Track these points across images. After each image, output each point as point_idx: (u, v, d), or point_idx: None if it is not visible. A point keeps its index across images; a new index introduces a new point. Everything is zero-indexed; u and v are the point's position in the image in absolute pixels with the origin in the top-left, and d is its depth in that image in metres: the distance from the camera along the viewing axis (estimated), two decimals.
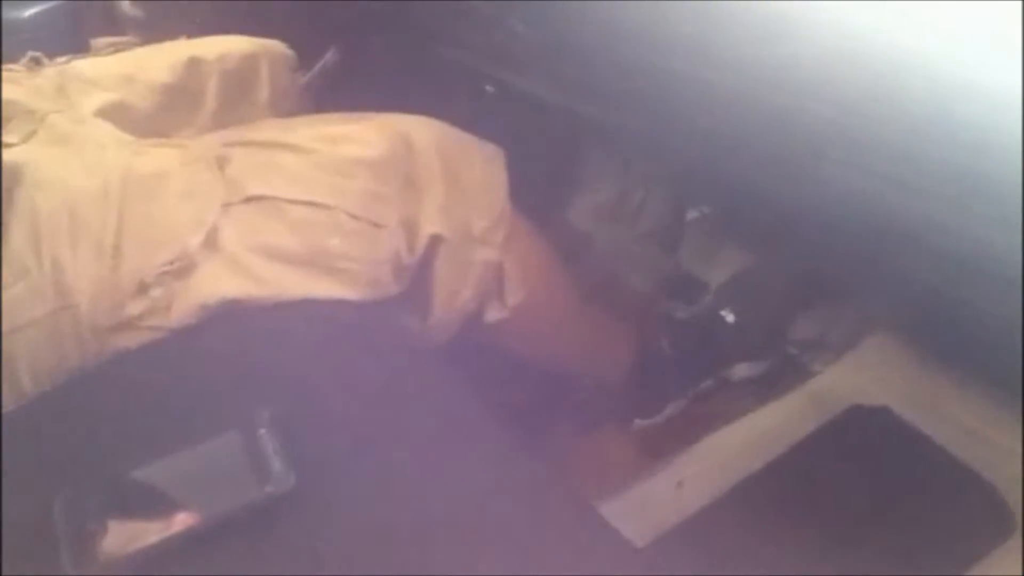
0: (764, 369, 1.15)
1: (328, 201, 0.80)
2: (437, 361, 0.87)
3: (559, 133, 1.24)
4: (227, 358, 0.77)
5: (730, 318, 1.17)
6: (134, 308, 0.75)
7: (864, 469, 0.97)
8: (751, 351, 1.17)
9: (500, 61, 1.14)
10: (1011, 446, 0.92)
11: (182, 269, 0.76)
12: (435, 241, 0.84)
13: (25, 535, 0.62)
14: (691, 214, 1.26)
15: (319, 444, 0.69)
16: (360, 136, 0.85)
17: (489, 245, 0.88)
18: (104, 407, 0.73)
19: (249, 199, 0.79)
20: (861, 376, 1.05)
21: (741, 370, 1.16)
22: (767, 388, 1.12)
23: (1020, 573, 0.83)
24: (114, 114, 0.92)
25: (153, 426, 0.70)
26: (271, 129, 0.91)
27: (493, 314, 0.91)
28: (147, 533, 0.60)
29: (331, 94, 1.18)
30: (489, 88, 1.21)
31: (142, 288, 0.75)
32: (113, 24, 1.12)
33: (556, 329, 1.02)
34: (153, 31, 1.09)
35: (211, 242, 0.77)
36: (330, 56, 1.21)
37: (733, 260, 1.24)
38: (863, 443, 0.99)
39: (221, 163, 0.82)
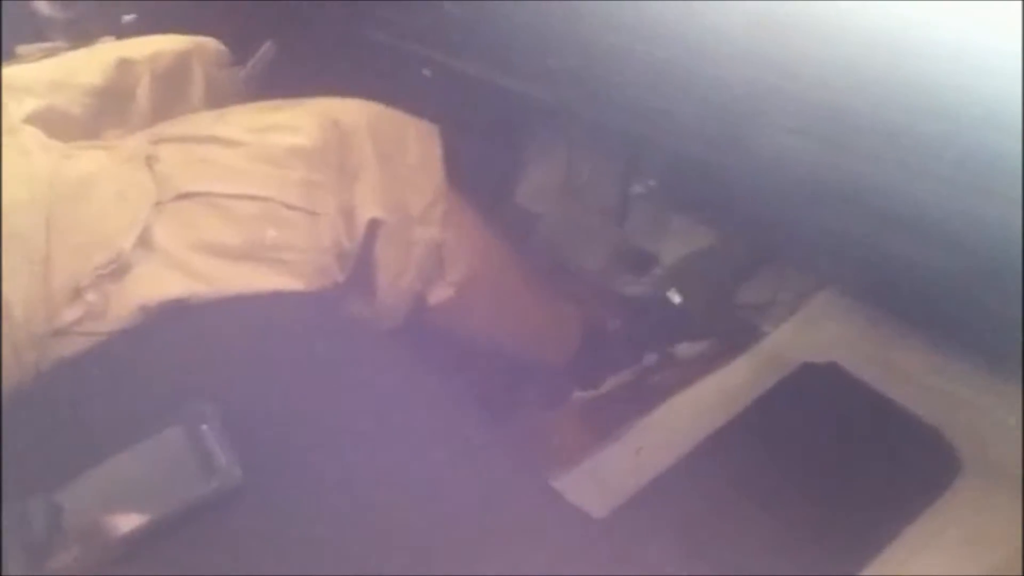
0: (705, 348, 1.16)
1: (263, 193, 0.79)
2: (390, 348, 0.87)
3: (501, 114, 1.24)
4: (174, 358, 0.76)
5: (676, 299, 1.18)
6: (69, 314, 0.74)
7: (817, 424, 0.98)
8: (695, 331, 1.18)
9: (436, 44, 1.13)
10: (952, 391, 0.94)
11: (116, 271, 0.75)
12: (374, 225, 0.84)
13: None
14: (637, 188, 1.27)
15: (273, 438, 0.68)
16: (290, 124, 0.84)
17: (428, 224, 0.88)
18: (51, 415, 0.72)
19: (182, 196, 0.78)
20: (809, 334, 1.07)
21: (684, 349, 1.18)
22: (711, 360, 1.12)
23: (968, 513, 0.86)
24: (44, 120, 0.90)
25: (100, 431, 0.69)
26: (200, 122, 0.89)
27: (438, 293, 0.91)
28: (96, 536, 0.60)
29: (271, 87, 1.17)
30: (426, 72, 1.20)
31: (76, 293, 0.74)
32: (31, 26, 1.10)
33: (499, 308, 1.02)
34: (75, 32, 1.07)
35: (145, 242, 0.76)
36: (267, 48, 1.19)
37: (681, 232, 1.25)
38: (815, 399, 1.01)
39: (151, 162, 0.80)
